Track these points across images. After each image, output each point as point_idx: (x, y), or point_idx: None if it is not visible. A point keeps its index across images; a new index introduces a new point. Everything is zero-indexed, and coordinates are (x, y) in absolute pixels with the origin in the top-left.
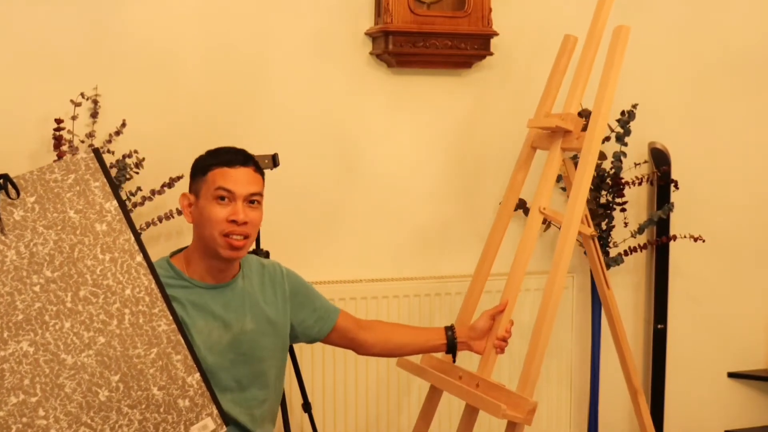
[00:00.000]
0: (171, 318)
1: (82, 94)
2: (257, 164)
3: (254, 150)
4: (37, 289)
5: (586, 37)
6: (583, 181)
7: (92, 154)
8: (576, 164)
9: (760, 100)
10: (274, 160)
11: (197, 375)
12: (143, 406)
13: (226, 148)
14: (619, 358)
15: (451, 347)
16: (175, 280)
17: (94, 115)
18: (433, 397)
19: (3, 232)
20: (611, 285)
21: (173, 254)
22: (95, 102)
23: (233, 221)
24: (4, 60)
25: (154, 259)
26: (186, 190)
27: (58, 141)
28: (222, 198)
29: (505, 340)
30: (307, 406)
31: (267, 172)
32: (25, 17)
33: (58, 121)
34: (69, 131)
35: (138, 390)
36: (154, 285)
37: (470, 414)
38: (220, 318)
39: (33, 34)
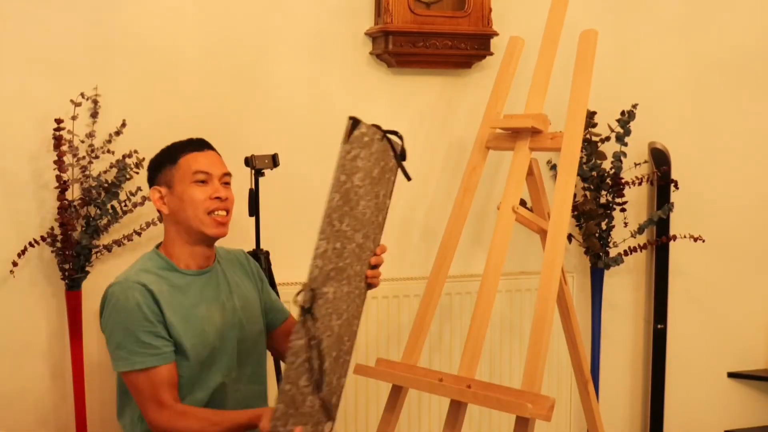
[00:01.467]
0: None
1: (82, 94)
2: (216, 151)
3: (254, 150)
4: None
5: (552, 39)
6: (567, 183)
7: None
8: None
9: (760, 100)
10: (274, 160)
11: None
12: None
13: (186, 139)
14: (570, 347)
15: None
16: (170, 271)
17: (94, 115)
18: (398, 397)
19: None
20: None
21: (158, 247)
22: (95, 102)
23: (216, 198)
24: (4, 60)
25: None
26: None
27: (58, 141)
28: (201, 181)
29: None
30: None
31: (267, 172)
32: (25, 17)
33: (58, 121)
34: (69, 131)
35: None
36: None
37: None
38: (216, 301)
39: (33, 34)
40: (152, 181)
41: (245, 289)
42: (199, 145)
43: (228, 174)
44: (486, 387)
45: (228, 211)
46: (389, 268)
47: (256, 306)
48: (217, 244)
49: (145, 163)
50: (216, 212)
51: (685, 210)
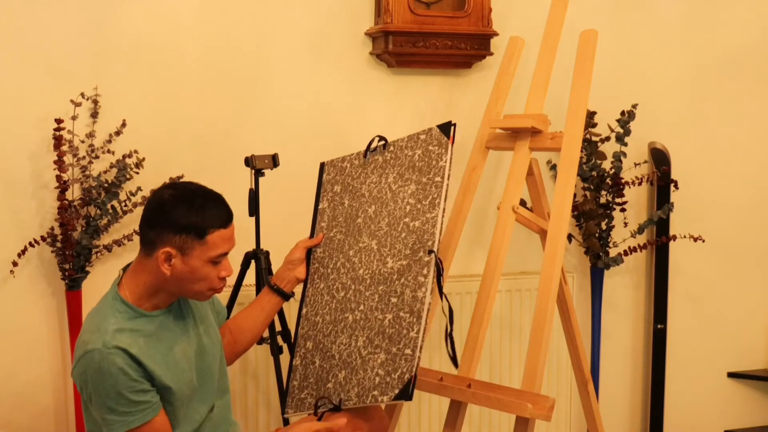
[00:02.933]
0: None
1: (82, 94)
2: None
3: (254, 150)
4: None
5: (543, 40)
6: (567, 183)
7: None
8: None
9: (760, 100)
10: (274, 160)
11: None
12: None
13: (212, 200)
14: (570, 347)
15: (283, 294)
16: (139, 319)
17: (94, 115)
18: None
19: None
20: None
21: (117, 287)
22: (95, 102)
23: (223, 278)
24: (4, 60)
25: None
26: None
27: (58, 141)
28: (216, 263)
29: None
30: None
31: (267, 172)
32: (26, 17)
33: (58, 121)
34: (69, 131)
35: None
36: None
37: (457, 410)
38: (185, 334)
39: (33, 34)
40: (162, 235)
41: (200, 307)
42: (226, 217)
43: None
44: (486, 387)
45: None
46: None
47: (212, 320)
48: None
49: (145, 163)
50: (217, 290)
51: (685, 210)
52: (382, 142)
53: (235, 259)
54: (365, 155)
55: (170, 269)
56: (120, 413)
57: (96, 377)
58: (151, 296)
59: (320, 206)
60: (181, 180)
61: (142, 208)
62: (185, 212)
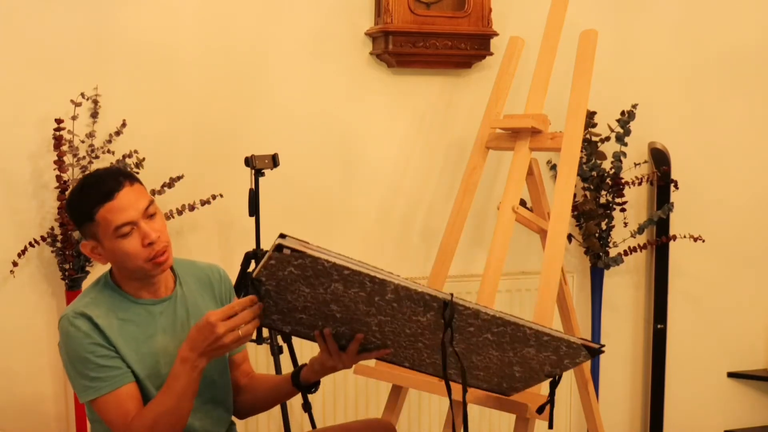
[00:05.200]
0: None
1: (82, 94)
2: (127, 173)
3: (254, 150)
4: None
5: (543, 40)
6: (567, 183)
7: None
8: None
9: (760, 100)
10: (274, 160)
11: None
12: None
13: (94, 176)
14: None
15: (295, 376)
16: (122, 302)
17: (94, 115)
18: (398, 397)
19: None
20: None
21: (110, 273)
22: (95, 102)
23: (150, 244)
24: (4, 60)
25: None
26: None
27: (58, 141)
28: (126, 234)
29: None
30: (307, 406)
31: (267, 172)
32: (26, 17)
33: (58, 121)
34: (69, 131)
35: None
36: None
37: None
38: (172, 330)
39: (33, 34)
40: (79, 231)
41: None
42: (109, 188)
43: (150, 204)
44: None
45: (165, 247)
46: (390, 268)
47: None
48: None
49: (145, 163)
50: (156, 256)
51: (685, 210)
52: None
53: (235, 259)
54: None
55: (102, 257)
56: (90, 378)
57: (65, 342)
58: (129, 284)
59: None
60: (183, 177)
61: None
62: (74, 205)
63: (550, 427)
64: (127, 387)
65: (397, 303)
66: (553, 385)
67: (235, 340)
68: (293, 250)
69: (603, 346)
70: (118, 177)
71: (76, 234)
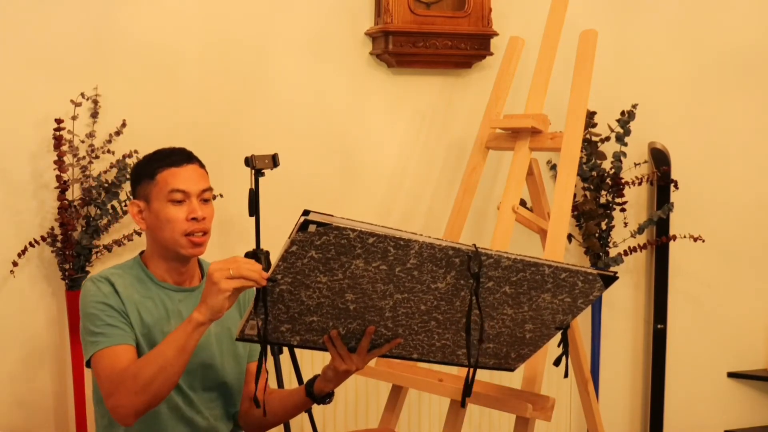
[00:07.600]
0: None
1: (82, 94)
2: (200, 161)
3: (254, 150)
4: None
5: (544, 40)
6: (567, 183)
7: None
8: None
9: (760, 100)
10: (274, 160)
11: None
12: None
13: (168, 149)
14: (570, 346)
15: (309, 387)
16: (147, 281)
17: (94, 115)
18: (398, 397)
19: None
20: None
21: (141, 254)
22: (95, 102)
23: (193, 219)
24: (4, 60)
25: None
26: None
27: (58, 141)
28: (178, 200)
29: None
30: None
31: (267, 172)
32: (26, 17)
33: (58, 121)
34: (69, 131)
35: None
36: None
37: (457, 410)
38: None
39: (33, 34)
40: (133, 192)
41: (228, 317)
42: (179, 159)
43: (208, 189)
44: (486, 387)
45: (206, 232)
46: None
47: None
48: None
49: None
50: (194, 234)
51: (685, 210)
52: None
53: None
54: None
55: (144, 222)
56: (94, 334)
57: (83, 299)
58: (157, 263)
59: None
60: None
61: None
62: (141, 165)
63: (566, 375)
64: (126, 346)
65: (418, 270)
66: (564, 333)
67: (226, 277)
68: (319, 224)
69: (616, 273)
70: (191, 155)
71: (76, 234)
